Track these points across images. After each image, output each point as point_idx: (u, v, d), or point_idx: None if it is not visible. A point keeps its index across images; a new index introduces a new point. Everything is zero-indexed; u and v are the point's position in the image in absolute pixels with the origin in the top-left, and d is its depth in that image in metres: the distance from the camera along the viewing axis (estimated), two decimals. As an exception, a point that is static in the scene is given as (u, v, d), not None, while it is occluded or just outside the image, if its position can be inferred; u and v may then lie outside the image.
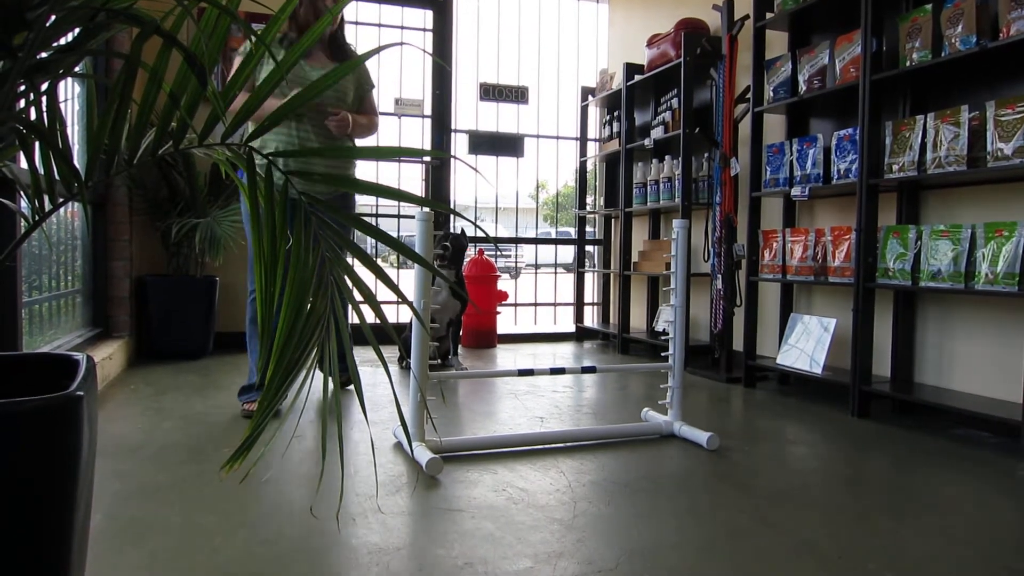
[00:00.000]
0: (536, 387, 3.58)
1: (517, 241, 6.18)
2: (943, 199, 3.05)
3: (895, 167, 2.95)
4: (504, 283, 5.55)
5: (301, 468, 2.20)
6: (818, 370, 3.31)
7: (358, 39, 5.13)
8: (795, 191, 3.42)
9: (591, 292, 6.00)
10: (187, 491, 1.98)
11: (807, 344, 3.44)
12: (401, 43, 1.42)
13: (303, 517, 1.80)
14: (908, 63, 2.92)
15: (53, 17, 0.92)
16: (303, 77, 2.86)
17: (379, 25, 5.14)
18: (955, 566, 1.61)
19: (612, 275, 5.57)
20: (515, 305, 5.91)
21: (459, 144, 5.42)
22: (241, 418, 2.82)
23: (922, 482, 2.21)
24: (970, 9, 2.67)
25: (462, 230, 4.27)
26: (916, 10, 2.91)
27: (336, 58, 3.06)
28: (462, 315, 4.26)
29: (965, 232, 2.69)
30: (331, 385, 1.09)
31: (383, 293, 1.39)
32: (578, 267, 5.83)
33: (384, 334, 4.22)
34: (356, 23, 5.09)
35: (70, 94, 3.35)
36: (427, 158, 5.18)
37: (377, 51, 1.30)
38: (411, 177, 10.93)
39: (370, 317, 1.10)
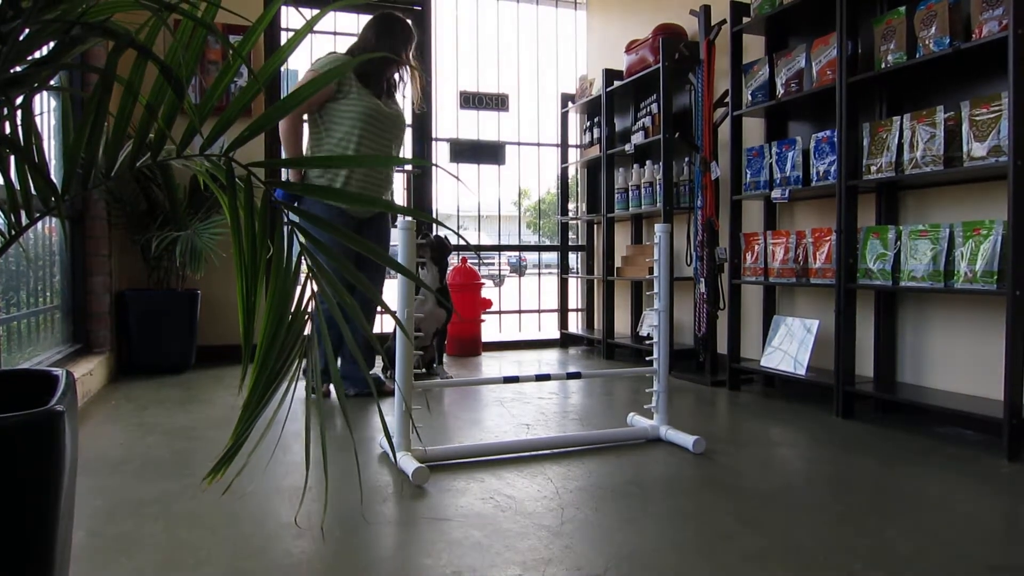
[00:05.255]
0: (522, 394, 3.57)
1: (500, 248, 6.19)
2: (921, 199, 3.08)
3: (873, 168, 2.98)
4: (488, 291, 5.55)
5: (285, 481, 2.18)
6: (802, 371, 3.33)
7: (337, 48, 5.11)
8: (775, 193, 3.45)
9: (575, 298, 6.00)
10: (171, 506, 1.96)
11: (790, 346, 3.46)
12: (383, 55, 1.42)
13: (288, 530, 1.79)
14: (883, 65, 2.95)
15: (27, 30, 0.91)
16: (382, 113, 3.35)
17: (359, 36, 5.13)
18: (940, 564, 1.62)
19: (596, 281, 5.58)
20: (499, 313, 5.91)
21: (440, 153, 5.42)
22: (227, 433, 2.80)
23: (907, 481, 2.22)
24: (943, 11, 2.70)
25: (445, 236, 4.24)
26: (890, 12, 2.95)
27: (391, 95, 3.50)
28: (447, 324, 4.23)
29: (943, 232, 2.72)
30: (315, 395, 1.08)
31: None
32: (561, 273, 5.83)
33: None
34: (335, 33, 5.08)
35: (45, 107, 3.32)
36: (408, 167, 5.17)
37: (362, 59, 1.30)
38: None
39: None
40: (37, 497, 0.98)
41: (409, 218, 2.31)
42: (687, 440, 2.52)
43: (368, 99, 3.32)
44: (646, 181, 4.61)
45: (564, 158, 5.76)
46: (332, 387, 3.41)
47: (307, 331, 1.11)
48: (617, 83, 4.82)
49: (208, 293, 4.49)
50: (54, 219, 3.33)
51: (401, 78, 3.50)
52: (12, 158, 1.05)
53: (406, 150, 5.24)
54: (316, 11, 1.05)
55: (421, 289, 3.99)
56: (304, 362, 1.10)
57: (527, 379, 2.65)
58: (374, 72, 3.37)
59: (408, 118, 3.78)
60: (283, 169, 4.15)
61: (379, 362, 4.23)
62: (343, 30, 5.11)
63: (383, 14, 3.46)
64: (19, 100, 1.00)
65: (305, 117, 3.41)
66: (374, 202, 3.04)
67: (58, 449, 1.00)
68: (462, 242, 5.05)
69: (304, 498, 2.01)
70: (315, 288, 1.09)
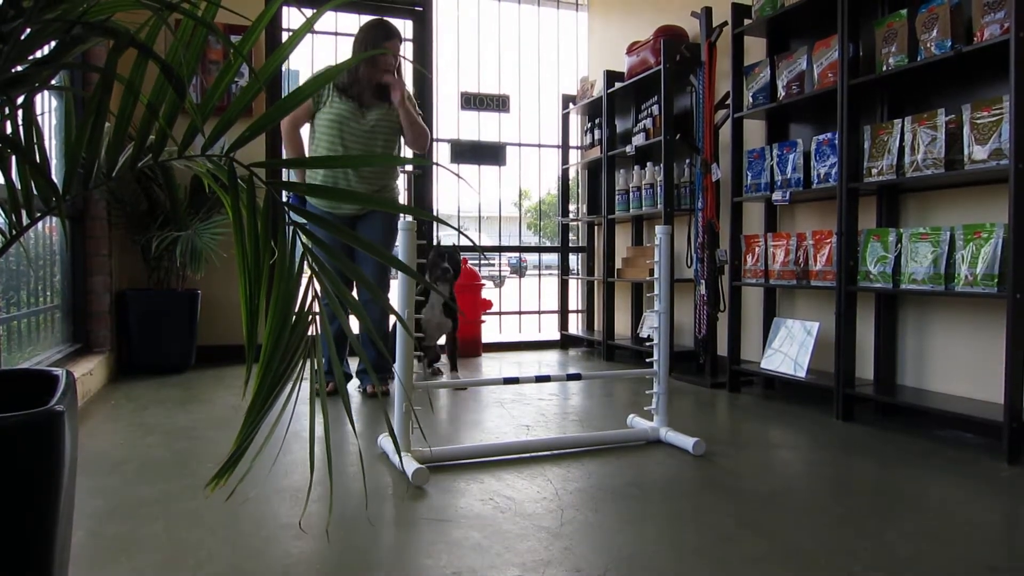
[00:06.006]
0: (522, 395, 3.57)
1: (501, 249, 6.18)
2: (922, 202, 3.08)
3: (874, 171, 2.98)
4: (488, 292, 5.55)
5: (285, 481, 2.18)
6: (802, 374, 3.33)
7: (338, 49, 5.13)
8: (776, 196, 3.45)
9: (575, 299, 6.00)
10: (171, 506, 1.96)
11: (791, 348, 3.46)
12: (382, 52, 1.42)
13: (288, 531, 1.78)
14: (885, 68, 2.95)
15: (28, 30, 0.91)
16: (358, 117, 3.44)
17: (359, 35, 5.13)
18: (940, 566, 1.61)
19: (596, 282, 5.58)
20: (499, 313, 5.91)
21: (441, 153, 5.42)
22: (227, 433, 2.80)
23: (907, 484, 2.22)
24: (944, 14, 2.70)
25: (453, 246, 4.09)
26: (892, 15, 2.95)
27: (382, 98, 3.52)
28: (456, 331, 4.14)
29: (944, 234, 2.71)
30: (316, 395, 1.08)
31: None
32: (562, 274, 5.83)
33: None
34: (336, 34, 5.08)
35: (47, 107, 3.32)
36: (409, 167, 5.17)
37: (359, 59, 1.30)
38: (393, 187, 10.85)
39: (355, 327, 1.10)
40: (37, 497, 0.98)
41: (410, 219, 2.31)
42: (687, 442, 2.52)
43: (341, 107, 3.43)
44: (647, 183, 4.61)
45: (565, 159, 5.76)
46: (335, 385, 3.43)
47: (311, 332, 1.10)
48: (618, 84, 4.82)
49: (208, 293, 4.49)
50: (54, 219, 3.33)
51: (387, 82, 3.50)
52: (13, 158, 1.05)
53: (406, 151, 5.24)
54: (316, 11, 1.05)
55: (429, 298, 3.92)
56: (308, 363, 1.10)
57: (527, 380, 2.65)
58: (350, 82, 3.45)
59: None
60: (284, 171, 4.17)
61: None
62: (344, 30, 5.12)
63: (363, 24, 3.52)
64: (20, 99, 1.00)
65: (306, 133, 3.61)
66: (370, 201, 3.06)
67: (58, 449, 1.00)
68: (465, 242, 5.05)
69: (308, 500, 2.01)
70: (318, 288, 1.09)
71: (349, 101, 3.43)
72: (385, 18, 3.58)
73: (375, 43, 3.43)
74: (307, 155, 3.56)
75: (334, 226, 1.12)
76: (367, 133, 3.47)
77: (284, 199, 1.06)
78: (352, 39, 3.54)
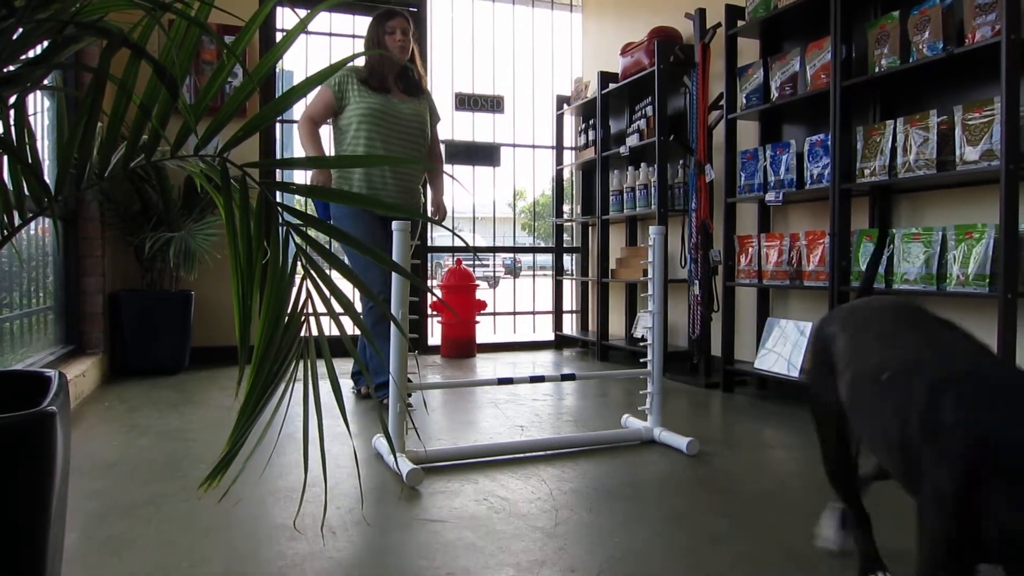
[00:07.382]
0: (516, 395, 3.57)
1: (495, 250, 6.18)
2: (914, 202, 3.09)
3: (867, 172, 2.99)
4: (482, 292, 5.54)
5: (279, 483, 2.18)
6: (795, 373, 3.33)
7: (332, 50, 5.12)
8: (769, 196, 3.45)
9: (570, 300, 6.00)
10: (164, 508, 1.95)
11: (784, 348, 3.47)
12: (379, 51, 1.42)
13: (282, 532, 1.78)
14: (877, 69, 2.96)
15: (20, 29, 0.91)
16: (392, 110, 3.31)
17: (353, 36, 5.13)
18: (934, 565, 1.62)
19: (590, 283, 5.58)
20: (494, 314, 5.91)
21: (435, 154, 5.42)
22: (221, 434, 2.79)
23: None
24: (936, 16, 2.71)
25: None
26: (884, 17, 2.96)
27: (409, 92, 3.42)
28: None
29: (936, 235, 2.73)
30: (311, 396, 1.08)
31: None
32: (556, 275, 5.84)
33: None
34: (331, 34, 5.08)
35: (39, 107, 3.31)
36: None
37: (353, 58, 1.30)
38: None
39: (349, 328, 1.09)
40: (29, 499, 0.98)
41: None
42: (681, 442, 2.52)
43: (371, 98, 3.28)
44: (641, 183, 4.61)
45: (559, 160, 5.77)
46: (367, 389, 3.44)
47: (303, 333, 1.10)
48: (612, 85, 4.83)
49: (202, 294, 4.47)
50: (47, 219, 3.32)
51: (408, 69, 3.45)
52: (5, 158, 1.04)
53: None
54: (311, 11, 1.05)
55: None
56: (302, 364, 1.10)
57: (521, 381, 2.65)
58: (372, 72, 3.34)
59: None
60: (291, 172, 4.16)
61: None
62: (338, 31, 5.11)
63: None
64: (12, 99, 1.00)
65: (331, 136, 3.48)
66: (372, 202, 3.05)
67: (50, 451, 1.00)
68: (458, 243, 5.03)
69: (302, 500, 2.00)
70: (311, 288, 1.09)
71: (376, 93, 3.30)
72: (391, 5, 3.52)
73: (379, 29, 3.37)
74: (340, 153, 3.44)
75: (331, 226, 1.12)
76: (405, 127, 3.35)
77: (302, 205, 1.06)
78: (352, 39, 3.47)
